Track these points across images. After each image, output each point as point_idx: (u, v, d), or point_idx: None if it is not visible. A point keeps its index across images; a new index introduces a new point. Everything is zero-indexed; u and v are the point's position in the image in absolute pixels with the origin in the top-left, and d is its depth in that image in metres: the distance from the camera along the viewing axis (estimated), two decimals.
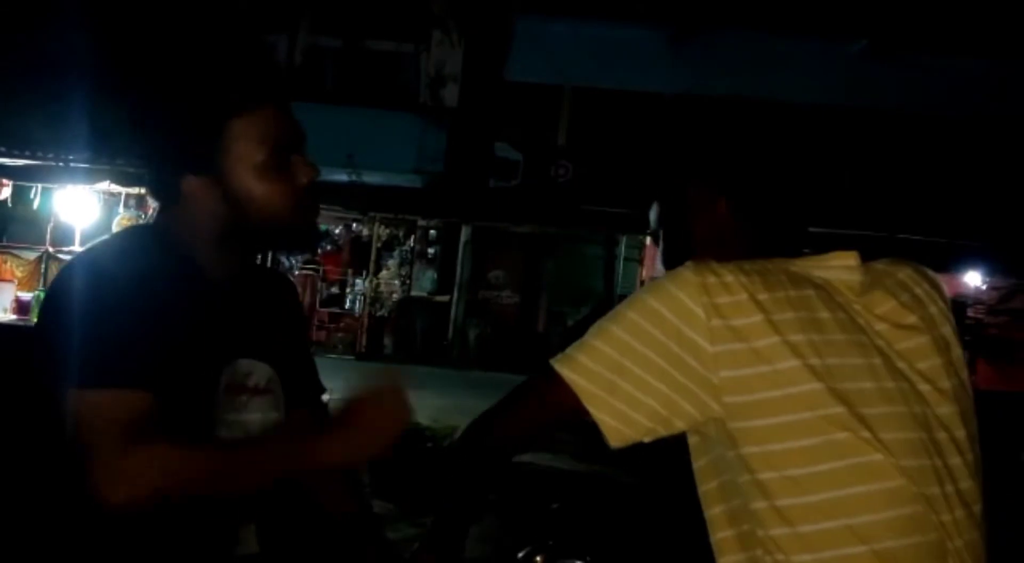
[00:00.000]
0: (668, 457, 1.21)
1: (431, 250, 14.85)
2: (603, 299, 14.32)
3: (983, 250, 12.08)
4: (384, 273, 15.00)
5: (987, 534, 1.08)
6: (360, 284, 14.92)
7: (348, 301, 15.03)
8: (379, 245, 15.01)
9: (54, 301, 1.19)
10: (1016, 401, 7.77)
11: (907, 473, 1.01)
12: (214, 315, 1.23)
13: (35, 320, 1.26)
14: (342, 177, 13.40)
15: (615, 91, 13.30)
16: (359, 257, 15.10)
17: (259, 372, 1.29)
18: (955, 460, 1.06)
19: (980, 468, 1.09)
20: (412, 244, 14.93)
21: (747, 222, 1.16)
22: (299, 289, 14.88)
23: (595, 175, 13.24)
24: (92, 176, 9.11)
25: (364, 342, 14.46)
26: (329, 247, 15.41)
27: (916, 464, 1.02)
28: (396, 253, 15.13)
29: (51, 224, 9.49)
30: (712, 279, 1.04)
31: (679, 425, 1.06)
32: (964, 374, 1.13)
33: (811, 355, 1.01)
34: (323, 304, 14.84)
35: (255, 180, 1.21)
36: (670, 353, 1.03)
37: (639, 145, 13.68)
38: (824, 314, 1.04)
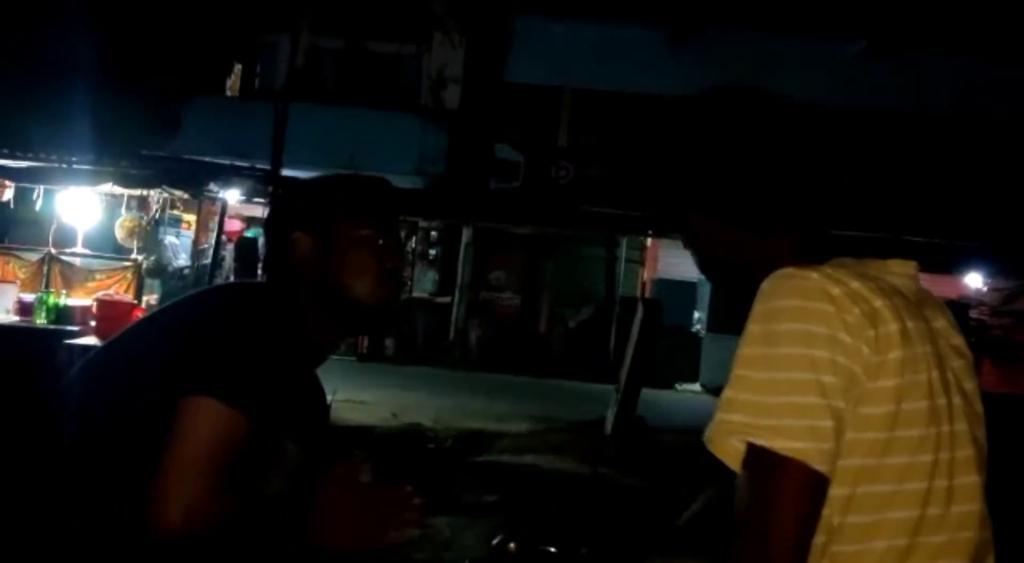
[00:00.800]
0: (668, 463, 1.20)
1: (432, 251, 14.86)
2: (604, 300, 14.32)
3: (985, 251, 12.08)
4: None
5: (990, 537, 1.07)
6: None
7: None
8: None
9: (206, 317, 1.29)
10: (1020, 403, 7.77)
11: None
12: (292, 393, 1.35)
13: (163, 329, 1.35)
14: None
15: (615, 92, 13.31)
16: None
17: (294, 457, 1.39)
18: (970, 478, 1.04)
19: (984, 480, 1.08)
20: (413, 245, 14.94)
21: (764, 234, 1.08)
22: None
23: (596, 176, 13.25)
24: (94, 178, 9.12)
25: (366, 343, 14.46)
26: None
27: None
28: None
29: (53, 226, 9.50)
30: (839, 289, 0.97)
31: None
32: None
33: (916, 371, 0.99)
34: None
35: (352, 248, 1.40)
36: (839, 370, 0.95)
37: (639, 146, 13.67)
38: (917, 324, 1.01)
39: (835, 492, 0.95)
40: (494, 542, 1.51)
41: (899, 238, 11.81)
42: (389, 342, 14.38)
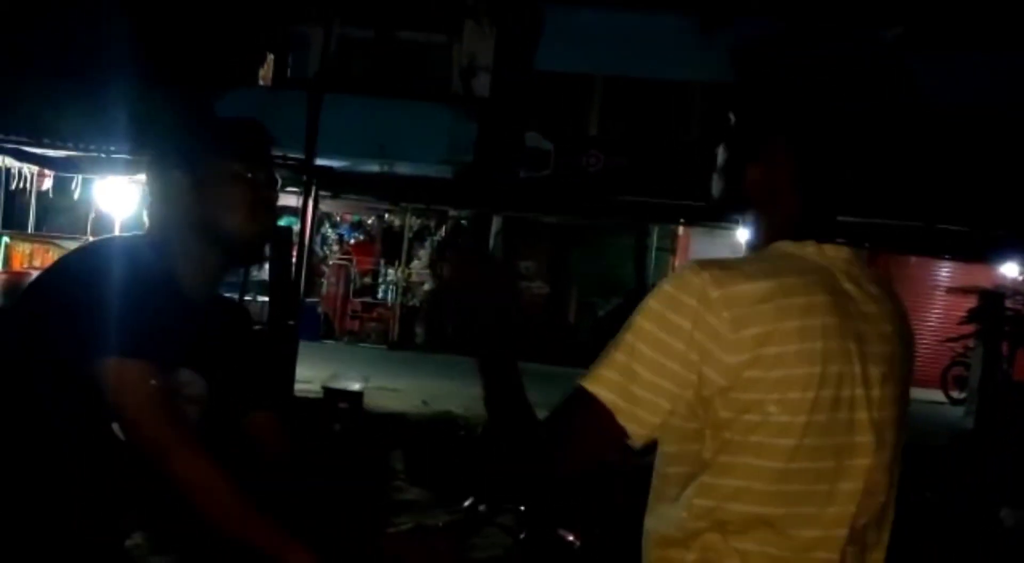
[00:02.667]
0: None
1: (462, 240, 14.90)
2: (634, 289, 14.29)
3: (1021, 240, 11.88)
4: (416, 263, 15.09)
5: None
6: (392, 274, 15.03)
7: (380, 291, 15.14)
8: (411, 235, 15.10)
9: (82, 278, 1.35)
10: None
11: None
12: (182, 324, 1.41)
13: (51, 291, 1.41)
14: (374, 168, 13.49)
15: (646, 80, 13.24)
16: (391, 247, 15.19)
17: (197, 384, 1.47)
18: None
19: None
20: (443, 234, 15.00)
21: (801, 184, 1.19)
22: (333, 279, 15.03)
23: (626, 164, 13.20)
24: (131, 167, 9.27)
25: (396, 331, 14.56)
26: (362, 237, 15.53)
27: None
28: (427, 243, 15.20)
29: (92, 214, 9.67)
30: (716, 293, 1.09)
31: (678, 424, 1.13)
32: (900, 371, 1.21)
33: (816, 363, 1.09)
34: (356, 294, 14.97)
35: (223, 183, 1.47)
36: (686, 360, 1.10)
37: (669, 134, 13.61)
38: (830, 319, 1.11)
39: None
40: (465, 504, 1.55)
41: (933, 227, 11.66)
42: (420, 329, 14.47)
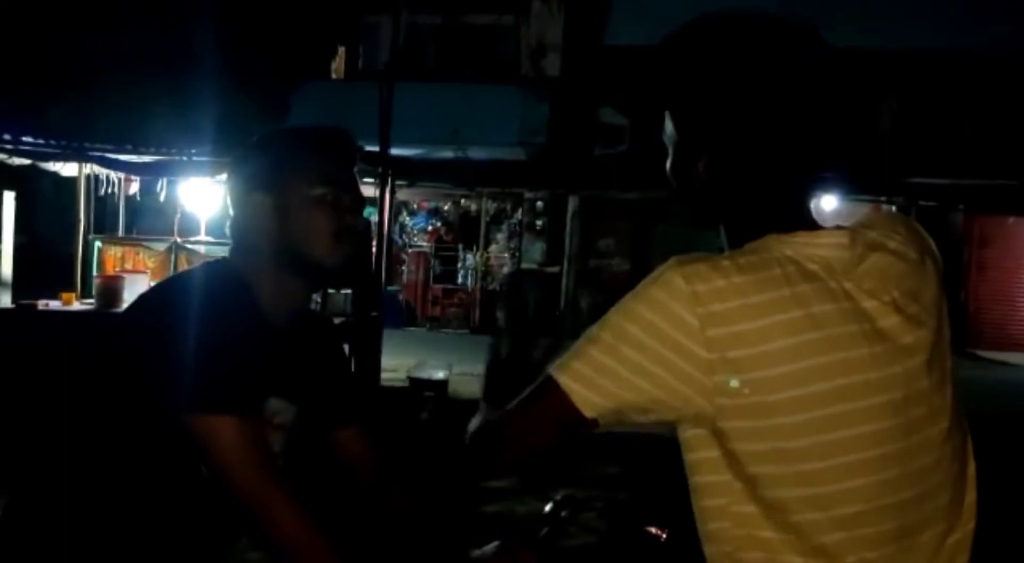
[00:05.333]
0: None
1: (539, 222, 14.84)
2: None
3: None
4: (494, 247, 15.11)
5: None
6: (471, 259, 15.08)
7: (460, 276, 15.22)
8: (487, 219, 15.11)
9: (163, 324, 1.29)
10: None
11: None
12: (268, 355, 1.35)
13: (133, 336, 1.35)
14: (448, 154, 13.52)
15: None
16: (468, 232, 15.24)
17: (286, 412, 1.43)
18: (933, 429, 1.08)
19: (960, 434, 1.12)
20: (520, 216, 14.96)
21: (754, 171, 1.10)
22: (413, 266, 15.19)
23: None
24: (213, 168, 9.48)
25: (477, 316, 14.63)
26: (439, 223, 15.62)
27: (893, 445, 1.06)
28: (504, 226, 15.20)
29: (178, 215, 9.93)
30: (702, 287, 1.03)
31: (652, 419, 1.07)
32: (947, 347, 1.13)
33: (806, 357, 1.02)
34: (436, 280, 15.08)
35: (304, 207, 1.40)
36: (663, 359, 1.03)
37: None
38: (821, 307, 1.03)
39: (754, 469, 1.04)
40: (547, 508, 1.49)
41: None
42: (500, 314, 14.50)
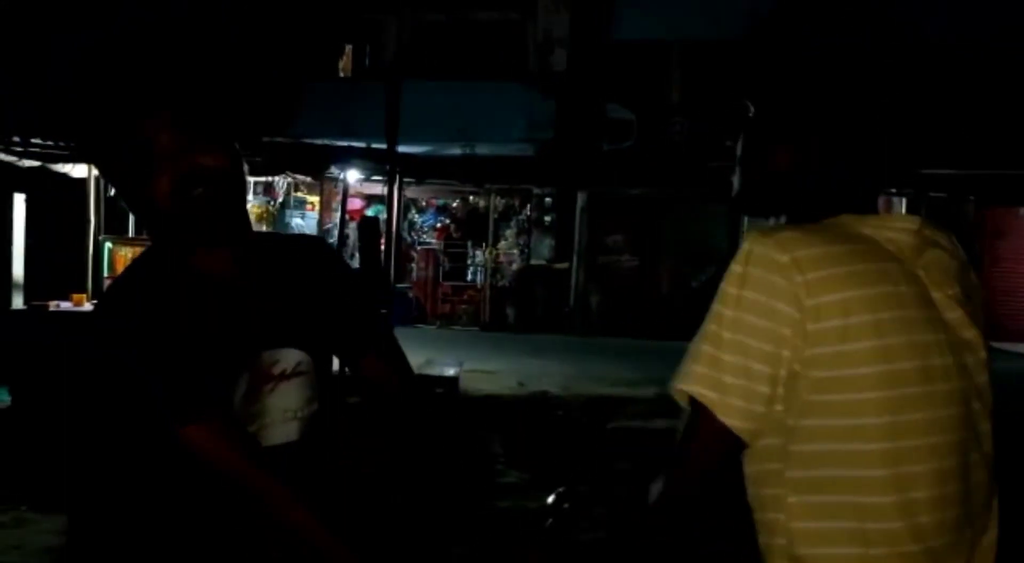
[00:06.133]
0: None
1: (547, 218, 14.82)
2: (728, 257, 13.93)
3: None
4: (503, 243, 15.09)
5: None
6: (480, 255, 15.07)
7: (469, 273, 15.21)
8: (496, 216, 15.09)
9: (107, 341, 1.25)
10: None
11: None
12: (225, 316, 1.28)
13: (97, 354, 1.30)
14: (455, 151, 13.51)
15: (726, 42, 12.82)
16: (477, 229, 15.23)
17: (286, 358, 1.33)
18: (983, 426, 1.10)
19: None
20: (528, 213, 14.94)
21: (836, 159, 1.13)
22: (422, 264, 15.19)
23: (711, 130, 12.85)
24: None
25: (487, 313, 14.62)
26: (448, 220, 15.61)
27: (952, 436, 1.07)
28: (513, 223, 15.18)
29: None
30: (801, 253, 1.03)
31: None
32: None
33: (885, 334, 1.02)
34: (445, 277, 15.08)
35: (138, 172, 1.24)
36: (775, 336, 1.03)
37: (757, 95, 13.13)
38: (902, 288, 1.05)
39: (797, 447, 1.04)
40: (549, 500, 1.48)
41: None
42: (510, 310, 14.48)
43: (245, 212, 1.32)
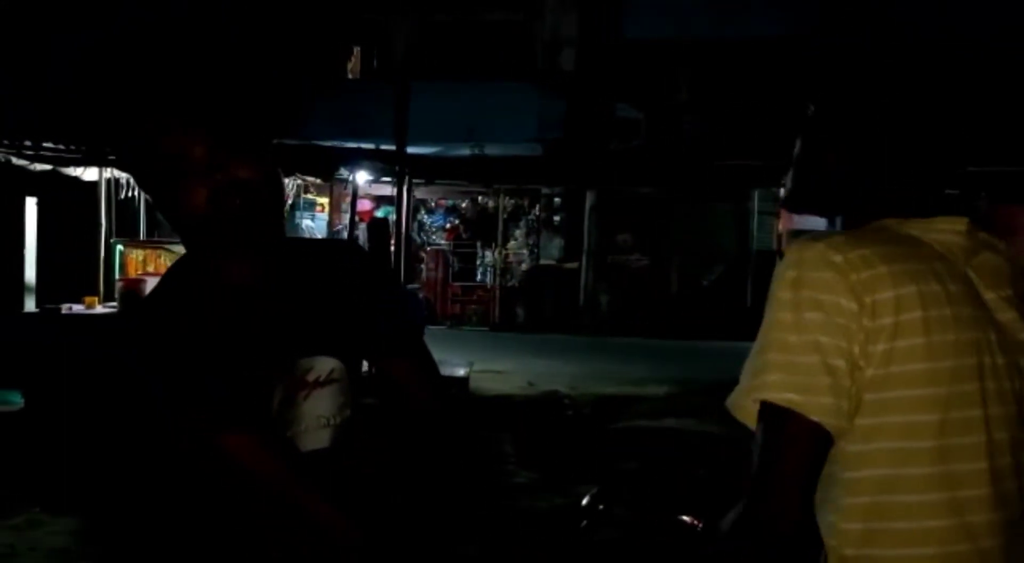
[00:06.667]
0: None
1: (556, 218, 14.82)
2: (738, 256, 13.91)
3: None
4: (512, 243, 15.09)
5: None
6: (489, 256, 15.07)
7: (478, 273, 15.22)
8: (505, 216, 15.10)
9: (143, 355, 1.27)
10: None
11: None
12: (259, 324, 1.30)
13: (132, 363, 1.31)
14: (464, 151, 13.52)
15: (735, 40, 12.79)
16: (486, 229, 15.24)
17: (320, 365, 1.34)
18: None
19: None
20: (537, 213, 14.93)
21: (867, 178, 1.13)
22: (431, 264, 15.21)
23: (721, 128, 12.82)
24: None
25: (497, 313, 14.63)
26: (457, 221, 15.63)
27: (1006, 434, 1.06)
28: (522, 223, 15.18)
29: None
30: (852, 254, 1.03)
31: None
32: None
33: (936, 331, 1.02)
34: (455, 278, 15.09)
35: (172, 180, 1.24)
36: (846, 331, 1.02)
37: (765, 93, 13.12)
38: (952, 286, 1.05)
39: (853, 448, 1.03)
40: (584, 501, 1.47)
41: None
42: (520, 310, 14.48)
43: (282, 222, 1.33)
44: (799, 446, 1.01)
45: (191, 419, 1.24)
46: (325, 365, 1.34)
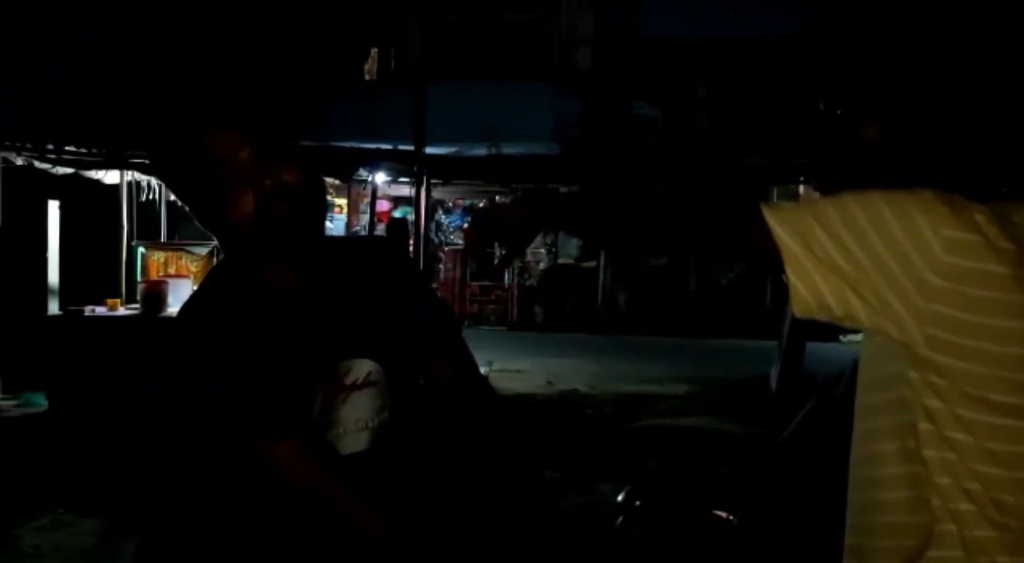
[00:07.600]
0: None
1: None
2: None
3: None
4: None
5: None
6: None
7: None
8: None
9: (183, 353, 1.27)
10: None
11: None
12: (298, 328, 1.29)
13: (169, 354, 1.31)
14: (482, 151, 13.52)
15: (752, 38, 12.72)
16: None
17: (358, 368, 1.33)
18: None
19: None
20: None
21: (907, 152, 1.14)
22: (449, 264, 15.22)
23: (739, 126, 12.75)
24: None
25: (515, 313, 14.63)
26: None
27: None
28: None
29: None
30: (963, 212, 1.00)
31: (858, 321, 1.04)
32: None
33: (1016, 317, 0.99)
34: (473, 277, 15.10)
35: (215, 185, 1.25)
36: (880, 261, 0.99)
37: (783, 92, 13.05)
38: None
39: (954, 409, 1.01)
40: (619, 498, 1.47)
41: None
42: (538, 309, 14.48)
43: (324, 227, 1.33)
44: (731, 241, 1.08)
45: (195, 420, 1.24)
46: (363, 368, 1.33)
